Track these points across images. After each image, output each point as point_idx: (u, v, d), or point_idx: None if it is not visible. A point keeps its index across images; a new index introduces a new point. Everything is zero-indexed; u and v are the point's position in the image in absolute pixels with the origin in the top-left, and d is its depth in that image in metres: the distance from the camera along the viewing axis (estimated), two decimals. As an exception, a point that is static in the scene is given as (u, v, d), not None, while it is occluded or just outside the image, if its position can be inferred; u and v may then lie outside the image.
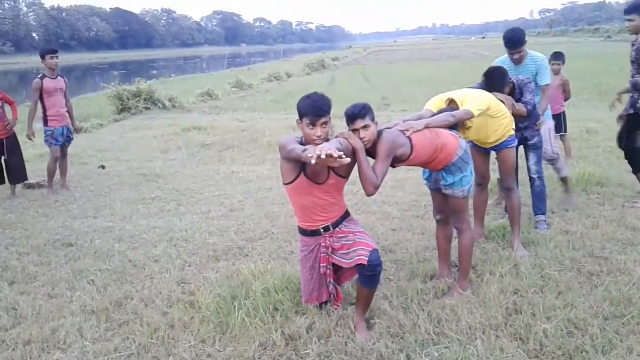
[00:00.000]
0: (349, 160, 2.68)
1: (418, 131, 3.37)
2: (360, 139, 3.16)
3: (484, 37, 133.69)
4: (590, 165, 6.58)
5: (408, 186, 6.34)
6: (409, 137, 3.31)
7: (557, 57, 6.97)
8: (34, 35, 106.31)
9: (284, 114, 13.09)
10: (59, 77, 6.74)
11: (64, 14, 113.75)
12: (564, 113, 7.08)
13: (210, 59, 74.54)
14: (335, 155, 2.60)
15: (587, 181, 5.87)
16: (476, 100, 3.79)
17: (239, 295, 3.54)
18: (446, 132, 3.51)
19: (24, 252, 4.74)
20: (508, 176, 4.35)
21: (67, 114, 6.86)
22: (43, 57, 6.59)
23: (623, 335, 3.07)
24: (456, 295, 3.59)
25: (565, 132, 7.10)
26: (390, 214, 5.45)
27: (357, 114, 3.17)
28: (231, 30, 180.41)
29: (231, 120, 12.19)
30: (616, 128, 5.57)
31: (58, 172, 6.83)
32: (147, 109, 14.41)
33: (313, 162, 2.63)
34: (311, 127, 3.05)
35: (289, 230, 4.98)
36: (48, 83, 6.56)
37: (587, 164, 6.61)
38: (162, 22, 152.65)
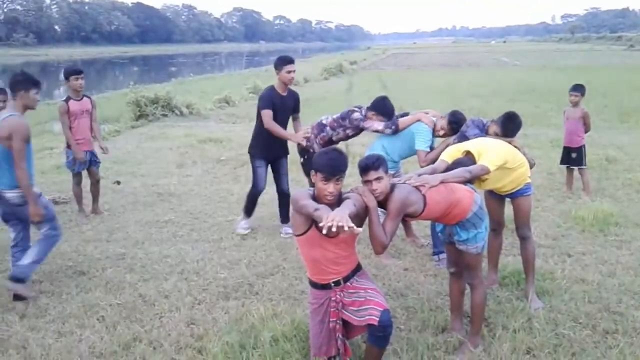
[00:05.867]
0: (360, 230, 2.67)
1: (433, 187, 3.33)
2: (373, 190, 3.15)
3: (504, 41, 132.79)
4: (607, 201, 6.45)
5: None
6: (422, 194, 3.28)
7: (576, 88, 6.87)
8: (56, 27, 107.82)
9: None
10: (85, 98, 6.36)
11: (86, 7, 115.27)
12: (584, 146, 6.97)
13: (229, 56, 74.86)
14: (346, 228, 2.60)
15: (604, 221, 5.74)
16: (493, 155, 3.73)
17: (247, 343, 3.54)
18: (461, 187, 3.47)
19: (36, 280, 4.73)
20: (523, 224, 4.27)
21: (93, 138, 6.52)
22: (67, 78, 6.26)
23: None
24: (467, 352, 3.53)
25: (585, 164, 6.98)
26: (403, 249, 5.39)
27: (370, 165, 3.17)
28: (250, 27, 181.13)
29: (247, 131, 12.06)
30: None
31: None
32: (164, 115, 14.42)
33: (324, 231, 2.63)
34: (324, 182, 3.04)
35: (300, 264, 4.93)
36: (74, 105, 6.21)
37: (604, 200, 6.48)
38: (183, 17, 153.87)
